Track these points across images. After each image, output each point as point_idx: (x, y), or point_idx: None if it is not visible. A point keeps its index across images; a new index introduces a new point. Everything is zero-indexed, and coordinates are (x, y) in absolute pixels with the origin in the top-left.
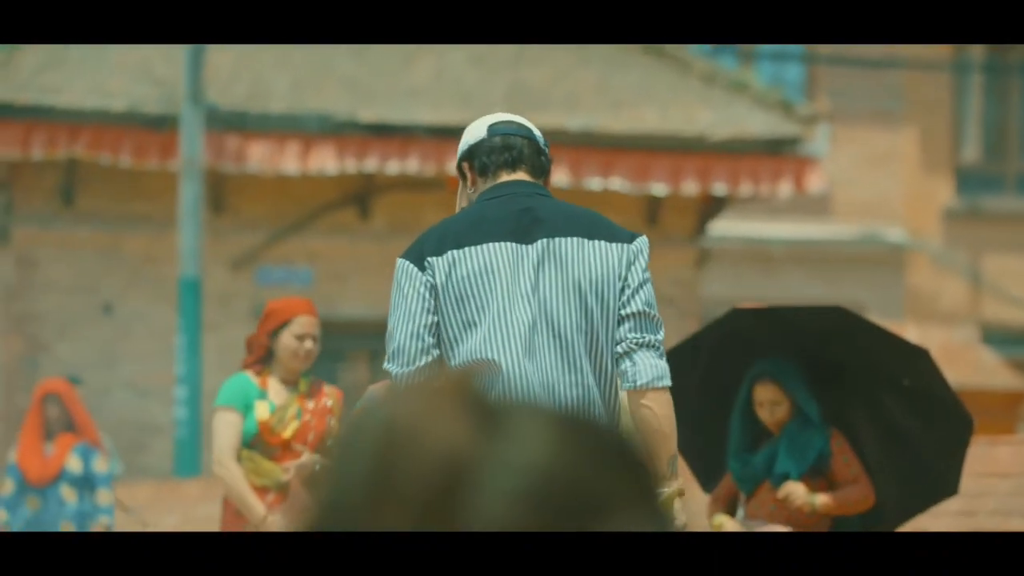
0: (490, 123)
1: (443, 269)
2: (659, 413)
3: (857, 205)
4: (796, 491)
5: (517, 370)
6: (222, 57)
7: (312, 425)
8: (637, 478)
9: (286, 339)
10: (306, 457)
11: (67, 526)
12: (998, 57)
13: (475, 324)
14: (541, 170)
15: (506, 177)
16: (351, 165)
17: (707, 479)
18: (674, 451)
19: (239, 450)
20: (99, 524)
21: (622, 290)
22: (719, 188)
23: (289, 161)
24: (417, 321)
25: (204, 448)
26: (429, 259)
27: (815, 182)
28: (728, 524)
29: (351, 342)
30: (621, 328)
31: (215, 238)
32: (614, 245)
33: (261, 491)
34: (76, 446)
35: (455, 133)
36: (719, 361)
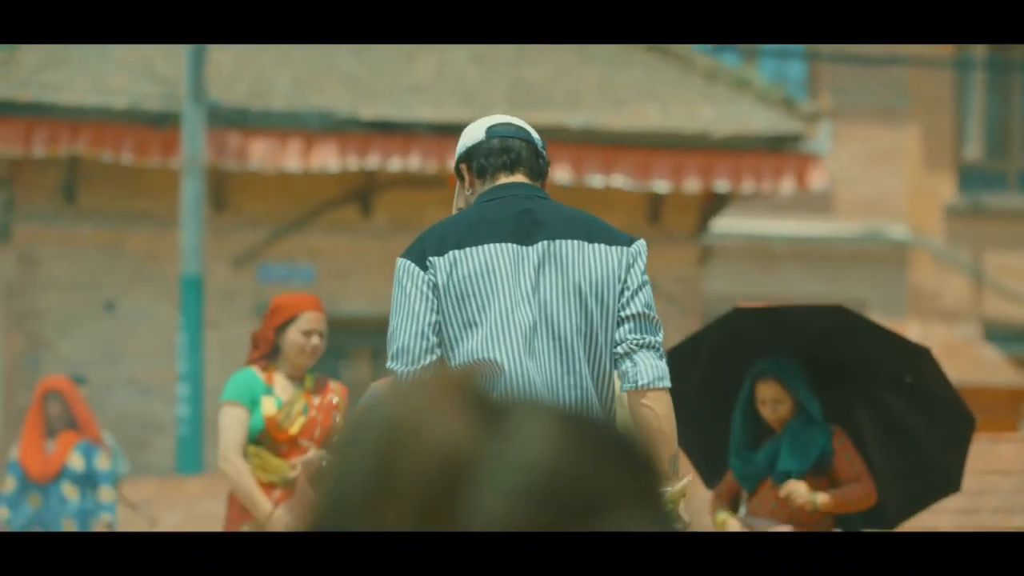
0: (488, 125)
1: (444, 269)
2: (660, 413)
3: (859, 202)
4: (798, 490)
5: (519, 369)
6: (224, 55)
7: (318, 421)
8: (639, 476)
9: (293, 335)
10: (312, 453)
11: (69, 524)
12: (1000, 54)
13: (476, 324)
14: (539, 172)
15: (504, 179)
16: (353, 162)
17: (710, 476)
18: (675, 451)
19: (245, 446)
20: (101, 521)
21: (621, 292)
22: (721, 185)
23: (291, 158)
24: (421, 320)
25: (206, 445)
26: (431, 258)
27: (817, 179)
28: (731, 521)
29: (353, 339)
30: (621, 329)
31: (217, 235)
32: (614, 248)
33: (267, 487)
34: (78, 444)
35: (456, 130)
36: (719, 361)
